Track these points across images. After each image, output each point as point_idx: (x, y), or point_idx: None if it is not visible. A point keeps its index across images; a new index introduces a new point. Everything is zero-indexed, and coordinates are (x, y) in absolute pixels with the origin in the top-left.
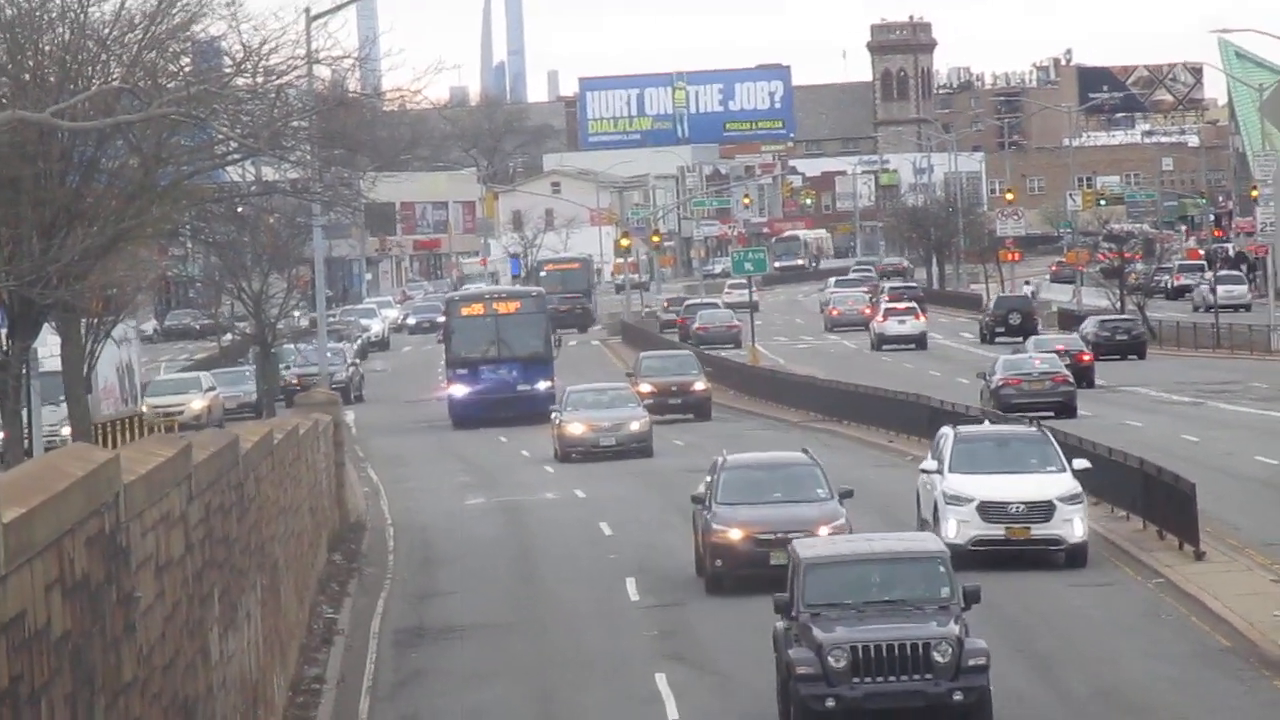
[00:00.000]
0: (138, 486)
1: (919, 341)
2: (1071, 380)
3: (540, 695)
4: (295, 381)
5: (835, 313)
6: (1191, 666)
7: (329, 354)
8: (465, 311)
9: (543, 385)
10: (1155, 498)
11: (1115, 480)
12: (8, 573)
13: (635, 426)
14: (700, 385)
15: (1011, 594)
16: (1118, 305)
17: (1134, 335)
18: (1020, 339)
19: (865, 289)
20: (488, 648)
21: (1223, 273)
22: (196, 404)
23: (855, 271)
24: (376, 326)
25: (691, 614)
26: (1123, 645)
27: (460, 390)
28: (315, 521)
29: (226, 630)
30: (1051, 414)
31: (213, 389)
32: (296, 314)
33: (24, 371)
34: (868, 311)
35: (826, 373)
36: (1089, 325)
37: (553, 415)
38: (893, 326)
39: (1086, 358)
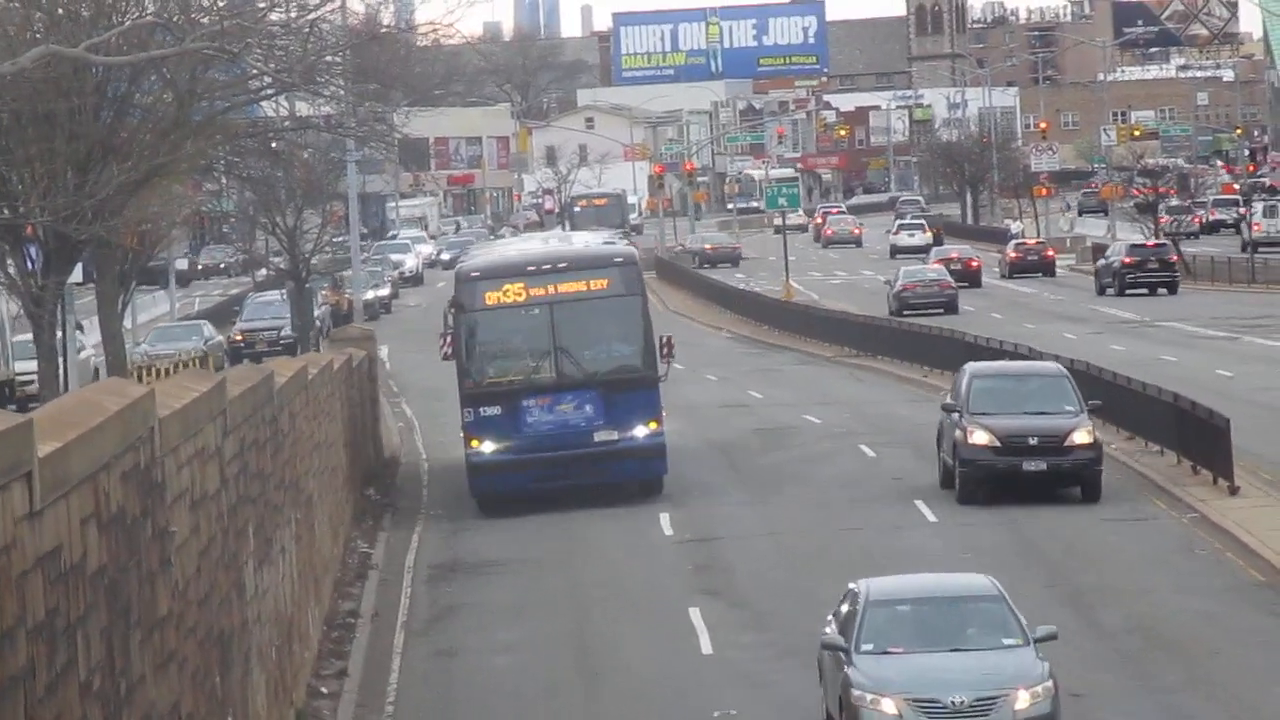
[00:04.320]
0: (173, 421)
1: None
2: (954, 286)
3: (574, 630)
4: (239, 338)
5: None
6: (1225, 601)
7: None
8: (491, 298)
9: (643, 431)
10: (1189, 433)
11: (1150, 415)
12: (44, 507)
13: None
14: (1084, 437)
15: (1045, 529)
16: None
17: (1166, 265)
18: (1039, 274)
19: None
20: (522, 582)
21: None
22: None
23: (905, 205)
24: (410, 262)
25: (726, 548)
26: (1156, 580)
27: (486, 446)
28: (349, 456)
29: (261, 565)
30: (940, 311)
31: (213, 339)
32: (330, 249)
33: (59, 307)
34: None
35: (860, 308)
36: (1115, 253)
37: None
38: (904, 239)
39: (975, 264)
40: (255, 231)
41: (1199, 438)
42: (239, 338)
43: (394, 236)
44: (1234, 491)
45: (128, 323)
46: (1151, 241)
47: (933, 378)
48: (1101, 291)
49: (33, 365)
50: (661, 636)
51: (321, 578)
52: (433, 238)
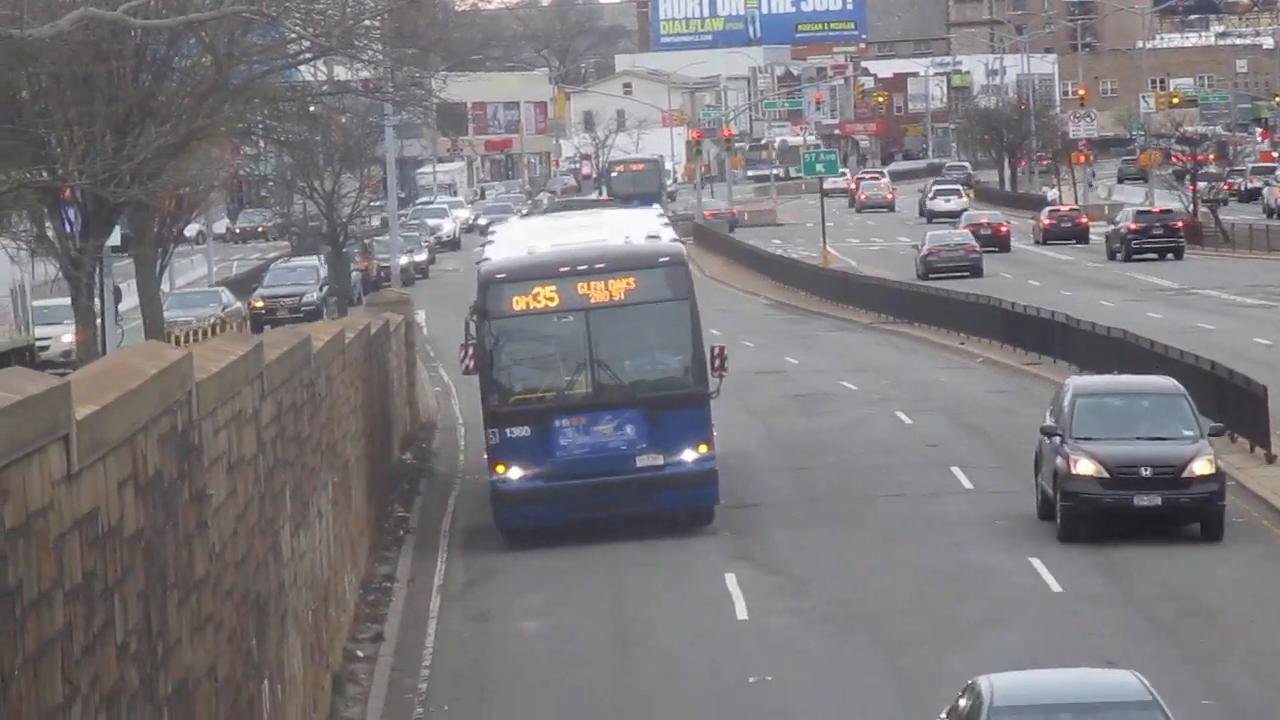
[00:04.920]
0: (210, 385)
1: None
2: (978, 250)
3: (609, 595)
4: (260, 305)
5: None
6: (1261, 569)
7: (302, 274)
8: (518, 303)
9: (691, 456)
10: (1227, 400)
11: (1187, 383)
12: (81, 469)
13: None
14: (1205, 468)
15: None
16: (1190, 208)
17: (1171, 231)
18: (1073, 241)
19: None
20: (557, 548)
21: None
22: (66, 338)
23: (951, 171)
24: (447, 226)
25: (762, 514)
26: (1192, 548)
27: (514, 473)
28: (386, 420)
29: (298, 528)
30: (966, 274)
31: (231, 305)
32: (368, 213)
33: (97, 269)
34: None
35: (897, 274)
36: (1123, 218)
37: None
38: (940, 204)
39: (1004, 229)
40: (293, 196)
41: (1236, 405)
42: (260, 305)
43: (430, 202)
44: (1271, 459)
45: (166, 286)
46: (1158, 208)
47: (970, 344)
48: (1111, 257)
49: (51, 330)
50: (696, 602)
51: (358, 541)
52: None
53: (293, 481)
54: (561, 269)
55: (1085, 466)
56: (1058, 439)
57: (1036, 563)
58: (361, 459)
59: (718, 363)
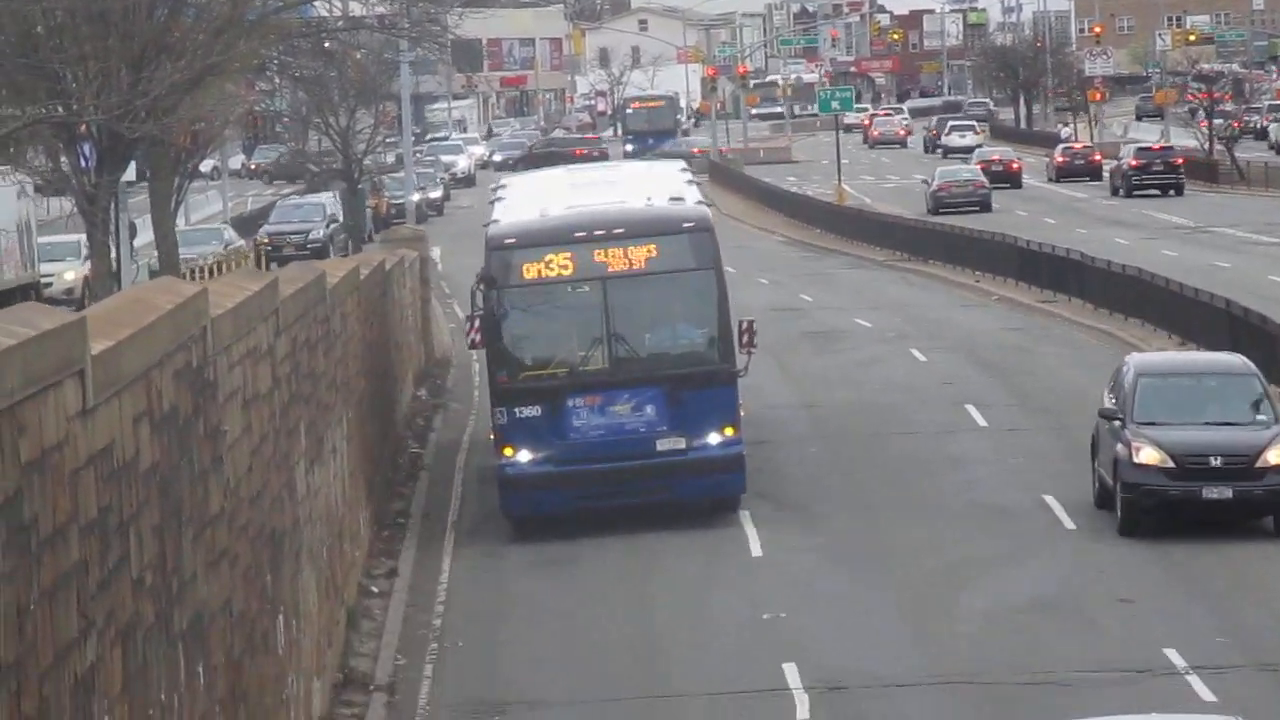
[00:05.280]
0: (225, 320)
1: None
2: (987, 186)
3: (624, 530)
4: (266, 242)
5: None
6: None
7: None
8: (529, 271)
9: (716, 439)
10: (1242, 338)
11: (1202, 321)
12: (96, 404)
13: None
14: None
15: (1092, 427)
16: (1205, 146)
17: (1171, 167)
18: (1086, 179)
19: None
20: None
21: None
22: (69, 275)
23: (972, 107)
24: (462, 163)
25: (776, 451)
26: None
27: (523, 456)
28: (401, 357)
29: (313, 464)
30: (976, 209)
31: (233, 243)
32: (383, 150)
33: (112, 205)
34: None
35: (912, 212)
36: (1125, 155)
37: None
38: (954, 139)
39: (1015, 166)
40: (308, 132)
41: (1251, 344)
42: (265, 241)
43: (446, 138)
44: None
45: (181, 222)
46: (1158, 144)
47: (984, 282)
48: (1114, 193)
49: (54, 267)
50: (710, 538)
51: (372, 477)
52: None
53: (307, 417)
54: (577, 234)
55: (1149, 455)
56: (1118, 423)
57: (1051, 500)
58: (376, 395)
59: (746, 338)
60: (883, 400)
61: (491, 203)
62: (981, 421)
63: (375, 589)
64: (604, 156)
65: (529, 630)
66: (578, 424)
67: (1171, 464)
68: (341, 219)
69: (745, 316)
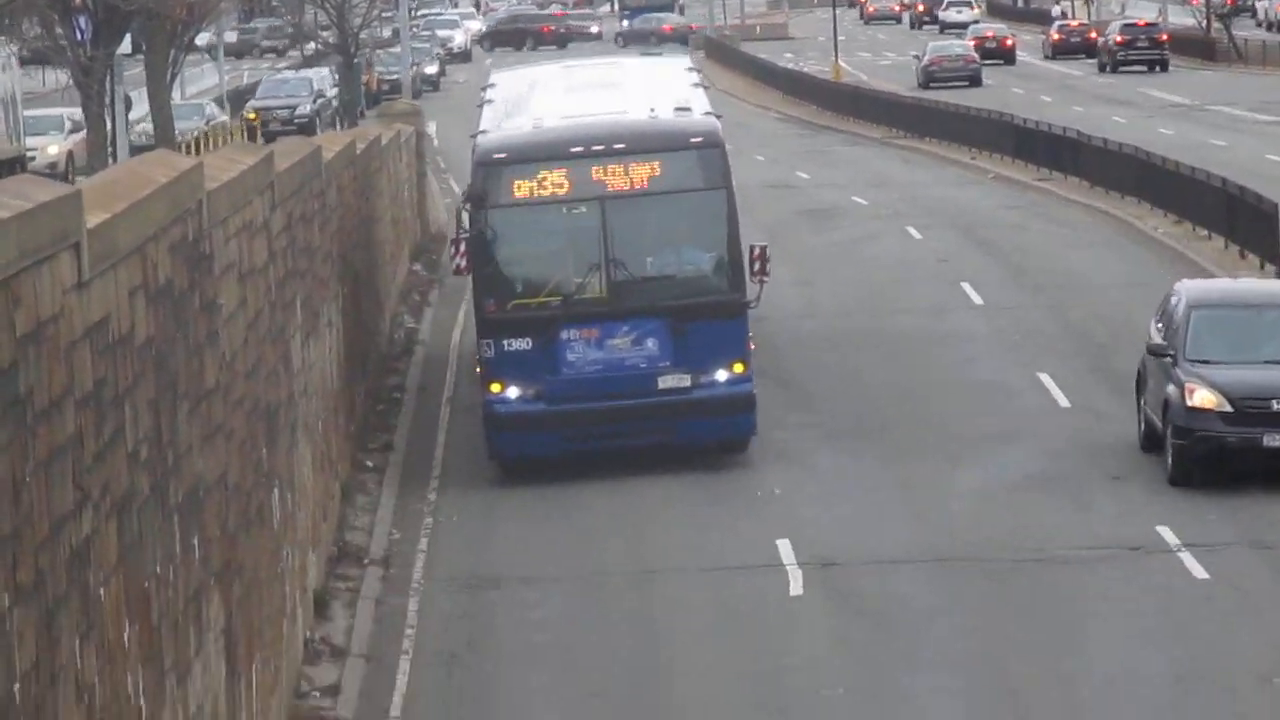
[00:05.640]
0: (221, 194)
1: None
2: (977, 60)
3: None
4: (252, 117)
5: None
6: None
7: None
8: (520, 188)
9: (724, 375)
10: (1238, 217)
11: (1198, 200)
12: (92, 277)
13: None
14: None
15: (1091, 313)
16: (1203, 24)
17: (1155, 43)
18: (1082, 56)
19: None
20: None
21: None
22: (53, 149)
23: None
24: (459, 38)
25: (772, 328)
26: None
27: (512, 392)
28: (397, 232)
29: (308, 338)
30: (965, 84)
31: (215, 118)
32: (379, 24)
33: (108, 78)
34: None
35: (909, 89)
36: (1111, 31)
37: None
38: (952, 15)
39: (1009, 42)
40: (304, 5)
41: (1248, 223)
42: (252, 116)
43: (441, 13)
44: None
45: (176, 95)
46: (1143, 20)
47: (981, 159)
48: (1101, 70)
49: (37, 141)
50: None
51: (368, 351)
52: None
53: (303, 291)
54: (573, 149)
55: (1203, 398)
56: (1168, 360)
57: (1045, 378)
58: (372, 270)
59: (758, 265)
60: (878, 278)
61: (480, 106)
62: (977, 299)
63: (370, 463)
64: (570, 35)
65: (524, 503)
66: (572, 358)
67: (1229, 408)
68: (329, 94)
69: (758, 243)
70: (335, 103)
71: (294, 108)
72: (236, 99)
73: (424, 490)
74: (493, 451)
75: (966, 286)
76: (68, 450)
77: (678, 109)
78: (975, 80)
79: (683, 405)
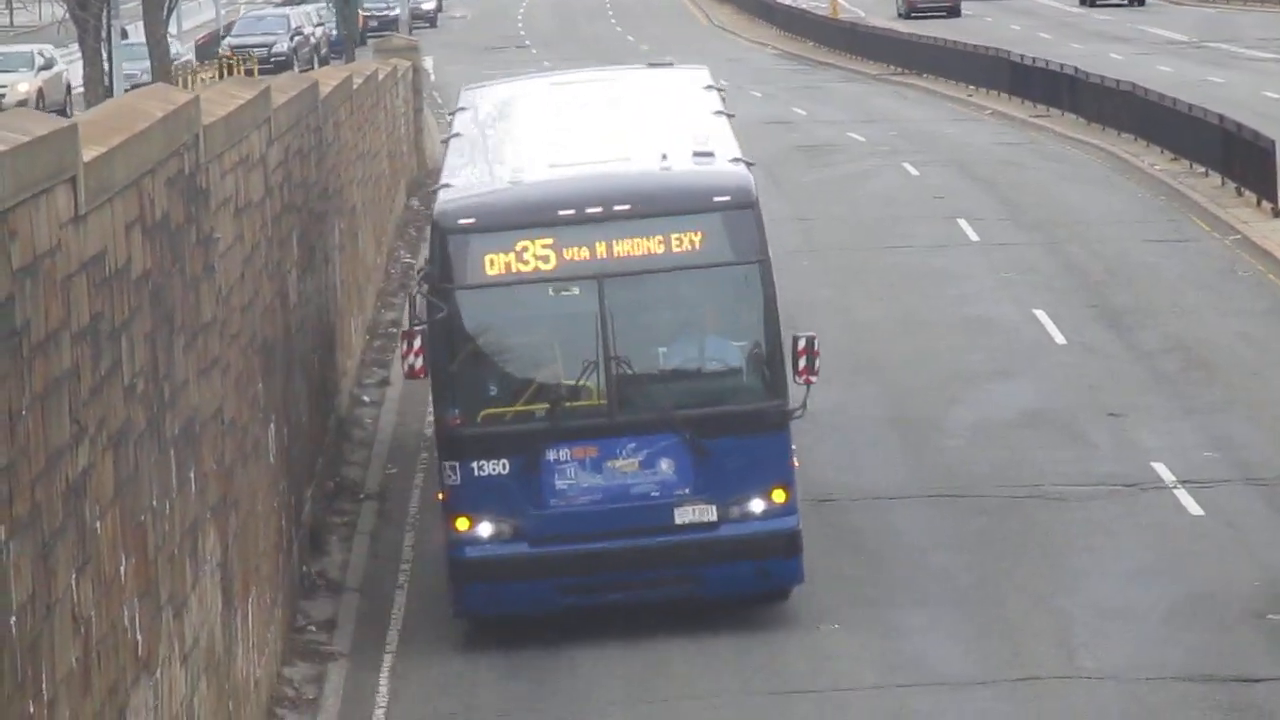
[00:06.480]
0: (217, 128)
1: None
2: None
3: None
4: (228, 54)
5: None
6: (1266, 322)
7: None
8: (493, 264)
9: (761, 506)
10: (1234, 154)
11: (1195, 136)
12: (88, 211)
13: None
14: None
15: (1088, 250)
16: None
17: None
18: None
19: None
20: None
21: None
22: (23, 86)
23: None
24: None
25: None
26: (1197, 301)
27: (483, 529)
28: (393, 167)
29: (304, 273)
30: (944, 15)
31: (180, 57)
32: None
33: (104, 11)
34: None
35: (907, 25)
36: None
37: None
38: None
39: None
40: None
41: (1244, 159)
42: (228, 54)
43: None
44: (1278, 214)
45: (173, 28)
46: None
47: (978, 96)
48: (1081, 3)
49: (6, 78)
50: None
51: (364, 287)
52: None
53: (299, 226)
54: (563, 212)
55: None
56: None
57: (1041, 314)
58: (368, 205)
59: (803, 361)
60: (875, 214)
61: (445, 142)
62: (973, 236)
63: (367, 398)
64: None
65: None
66: (562, 485)
67: None
68: (307, 32)
69: (803, 331)
70: (315, 40)
71: (270, 45)
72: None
73: (420, 425)
74: (459, 607)
75: (963, 223)
76: (64, 383)
77: (697, 154)
78: (954, 11)
79: (707, 546)
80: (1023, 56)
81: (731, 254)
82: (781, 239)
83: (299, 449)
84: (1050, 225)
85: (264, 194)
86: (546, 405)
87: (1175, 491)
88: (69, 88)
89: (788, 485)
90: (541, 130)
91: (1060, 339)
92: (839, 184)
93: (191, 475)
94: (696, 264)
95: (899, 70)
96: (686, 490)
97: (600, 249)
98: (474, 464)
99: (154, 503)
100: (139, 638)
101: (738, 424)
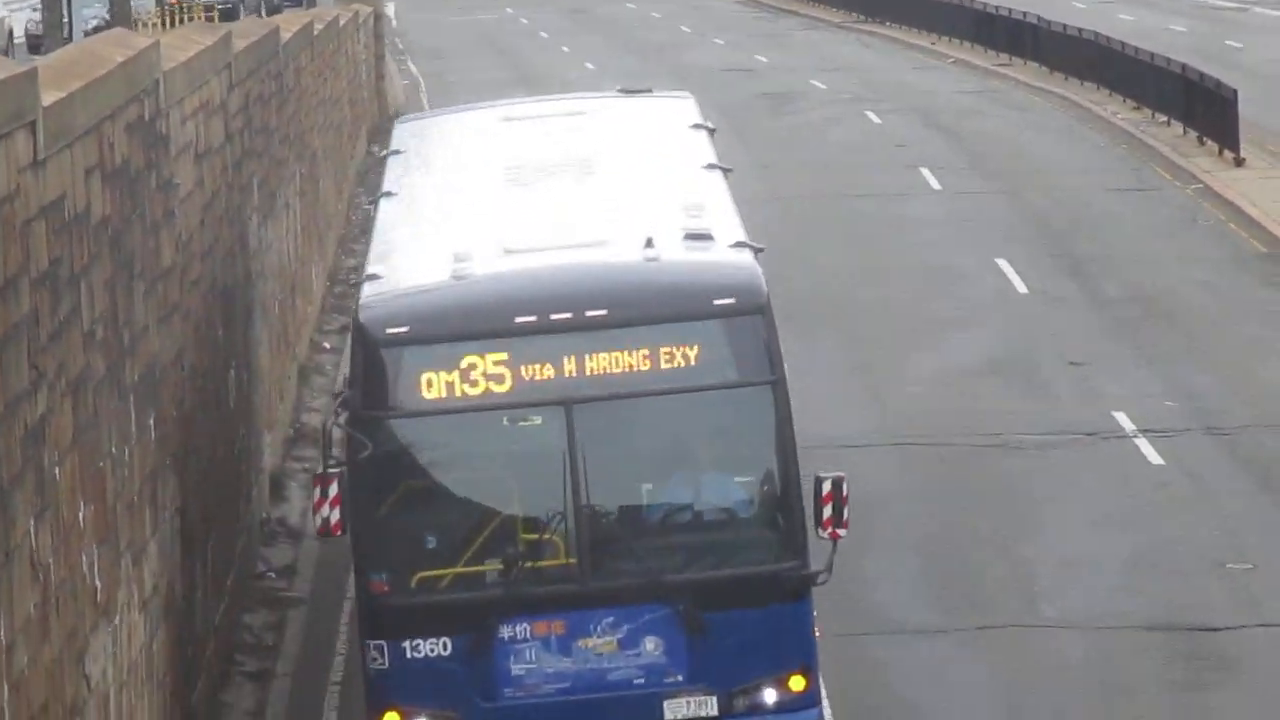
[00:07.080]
0: (177, 74)
1: None
2: None
3: None
4: (173, 2)
5: None
6: (1227, 271)
7: None
8: (432, 383)
9: (774, 696)
10: (1196, 103)
11: (1157, 85)
12: (47, 156)
13: None
14: None
15: (1051, 200)
16: None
17: None
18: None
19: None
20: None
21: None
22: None
23: None
24: None
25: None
26: (1159, 250)
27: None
28: (354, 113)
29: (265, 219)
30: None
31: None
32: None
33: None
34: None
35: None
36: None
37: None
38: None
39: None
40: None
41: (1206, 108)
42: (174, 2)
43: None
44: (1239, 163)
45: None
46: None
47: (940, 44)
48: None
49: None
50: None
51: (325, 233)
52: None
53: (260, 172)
54: (521, 318)
55: None
56: None
57: (1003, 264)
58: (329, 151)
59: (828, 509)
60: (837, 162)
61: (371, 202)
62: (935, 184)
63: (327, 345)
64: None
65: None
66: (520, 671)
67: None
68: None
69: (829, 471)
70: None
71: None
72: None
73: None
74: None
75: (925, 171)
76: (23, 329)
77: (690, 235)
78: None
79: None
80: (985, 5)
81: (736, 373)
82: (744, 185)
83: (259, 395)
84: (1012, 174)
85: (224, 140)
86: (500, 566)
87: (1136, 441)
88: (10, 34)
89: (808, 669)
90: (494, 191)
91: (1022, 288)
92: (801, 132)
93: (151, 422)
94: (692, 385)
95: (862, 18)
96: (679, 677)
97: (569, 366)
98: (405, 644)
99: (113, 449)
100: (98, 584)
101: (744, 592)
